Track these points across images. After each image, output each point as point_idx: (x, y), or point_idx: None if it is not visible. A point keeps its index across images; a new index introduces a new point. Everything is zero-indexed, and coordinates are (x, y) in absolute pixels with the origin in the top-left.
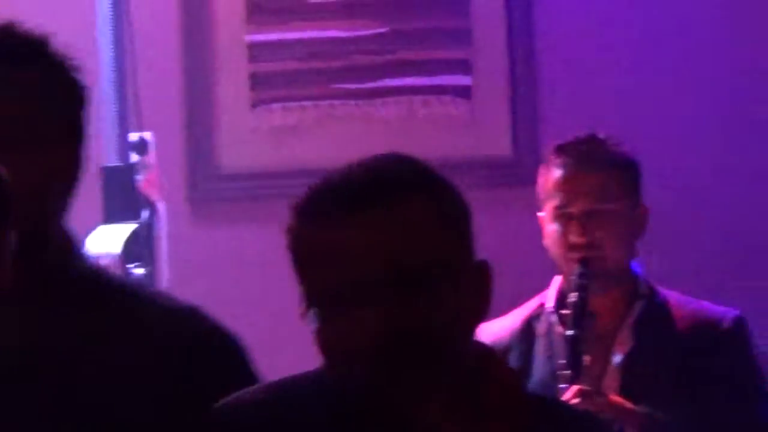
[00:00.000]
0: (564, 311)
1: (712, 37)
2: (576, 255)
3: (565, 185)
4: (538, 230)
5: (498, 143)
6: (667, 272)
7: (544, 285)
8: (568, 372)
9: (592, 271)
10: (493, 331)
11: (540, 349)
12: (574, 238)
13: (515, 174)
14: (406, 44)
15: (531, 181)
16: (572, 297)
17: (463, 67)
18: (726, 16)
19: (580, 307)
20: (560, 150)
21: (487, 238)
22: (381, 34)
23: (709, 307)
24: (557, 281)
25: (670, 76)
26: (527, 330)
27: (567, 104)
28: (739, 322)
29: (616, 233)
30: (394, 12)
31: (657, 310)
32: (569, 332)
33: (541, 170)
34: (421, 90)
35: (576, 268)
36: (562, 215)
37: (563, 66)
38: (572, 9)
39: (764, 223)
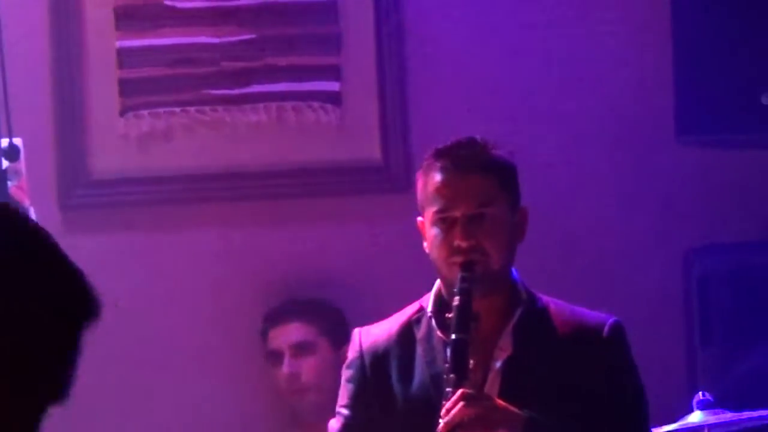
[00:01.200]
0: (448, 315)
1: (582, 36)
2: (458, 259)
3: (447, 189)
4: (409, 235)
5: (368, 149)
6: (542, 277)
7: (416, 289)
8: (453, 376)
9: (475, 274)
10: (373, 335)
11: (420, 353)
12: (457, 242)
13: (385, 179)
14: (276, 50)
15: (401, 186)
16: (456, 301)
17: (333, 73)
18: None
19: (464, 311)
20: (439, 154)
21: (358, 242)
22: (250, 40)
23: (588, 312)
24: (437, 286)
25: (543, 80)
26: (406, 334)
27: (437, 110)
28: (618, 327)
29: (497, 236)
30: (262, 18)
31: (537, 316)
32: (454, 336)
33: (420, 175)
34: (291, 96)
35: (459, 272)
36: (443, 219)
37: (433, 72)
38: (442, 15)
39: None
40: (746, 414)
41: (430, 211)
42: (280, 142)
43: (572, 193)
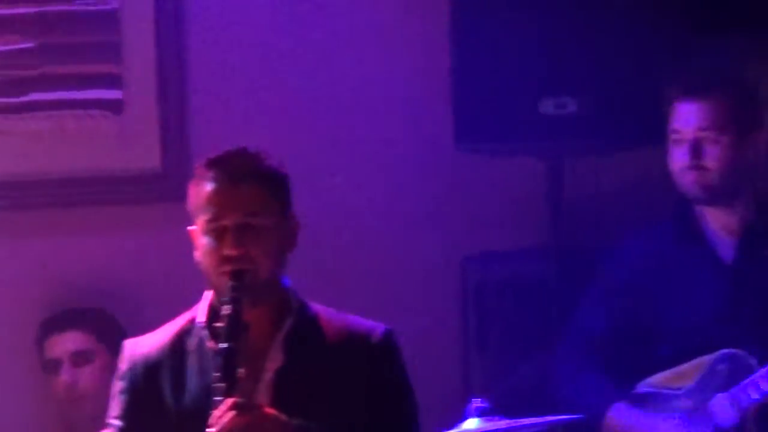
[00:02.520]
0: (217, 324)
1: (360, 42)
2: (228, 268)
3: (217, 198)
4: (188, 244)
5: (148, 158)
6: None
7: (196, 300)
8: (223, 384)
9: (244, 283)
10: (144, 345)
11: (192, 363)
12: (227, 251)
13: (165, 188)
14: (55, 59)
15: (181, 195)
16: (225, 310)
17: (113, 81)
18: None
19: (234, 320)
20: (210, 164)
21: (139, 251)
22: (28, 49)
23: (359, 320)
24: (208, 296)
25: (323, 89)
26: (178, 345)
27: (217, 120)
28: (388, 335)
29: (267, 245)
30: (41, 27)
31: (308, 325)
32: (223, 345)
33: (191, 185)
34: (71, 104)
35: (228, 281)
36: (214, 229)
37: (213, 81)
38: (223, 24)
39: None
40: (521, 420)
41: (202, 220)
42: (60, 151)
43: (349, 200)
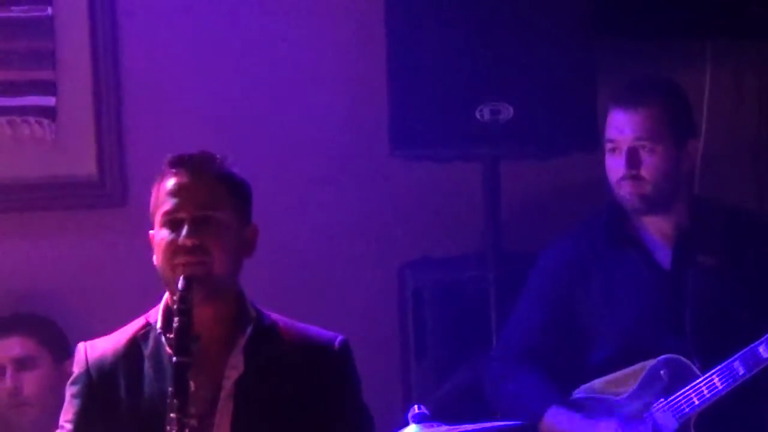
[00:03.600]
0: (169, 335)
1: (298, 46)
2: (182, 260)
3: (177, 191)
4: (123, 250)
5: (83, 164)
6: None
7: (130, 304)
8: (176, 401)
9: (197, 277)
10: (99, 348)
11: (148, 369)
12: (182, 240)
13: (100, 194)
14: None
15: (116, 202)
16: (176, 322)
17: (48, 88)
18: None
19: (184, 332)
20: (173, 161)
21: (73, 257)
22: None
23: (316, 330)
24: (164, 299)
25: (258, 91)
26: (133, 350)
27: (152, 125)
28: (347, 345)
29: (223, 240)
30: None
31: (266, 333)
32: (175, 359)
33: (154, 185)
34: (5, 111)
35: (180, 282)
36: (171, 220)
37: (148, 87)
38: (158, 30)
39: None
40: (461, 427)
41: (160, 214)
42: None
43: (286, 207)
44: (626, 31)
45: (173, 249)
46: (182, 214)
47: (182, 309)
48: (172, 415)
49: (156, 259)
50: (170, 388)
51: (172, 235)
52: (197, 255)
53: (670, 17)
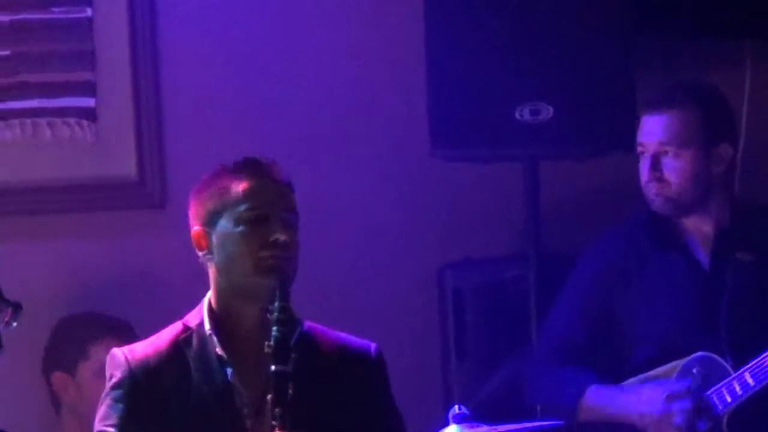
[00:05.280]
0: (268, 343)
1: (335, 51)
2: (271, 253)
3: (261, 189)
4: (164, 250)
5: (123, 165)
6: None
7: (171, 305)
8: (278, 410)
9: (287, 274)
10: (140, 352)
11: (195, 370)
12: (276, 235)
13: (140, 196)
14: (29, 67)
15: (156, 203)
16: (275, 331)
17: (87, 89)
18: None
19: (284, 341)
20: (239, 165)
21: (114, 258)
22: (4, 57)
23: (349, 337)
24: (206, 302)
25: (295, 95)
26: (176, 353)
27: (191, 126)
28: (381, 353)
29: (297, 243)
30: (15, 35)
31: (304, 339)
32: (274, 367)
33: (203, 187)
34: (46, 112)
35: (269, 279)
36: (256, 216)
37: (187, 88)
38: (198, 32)
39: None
40: (502, 427)
41: (235, 212)
42: (36, 159)
43: (326, 208)
44: (665, 31)
45: (260, 243)
46: (268, 211)
47: (281, 319)
48: (273, 423)
49: (228, 253)
50: (269, 396)
51: (257, 230)
52: (287, 251)
53: (709, 17)
